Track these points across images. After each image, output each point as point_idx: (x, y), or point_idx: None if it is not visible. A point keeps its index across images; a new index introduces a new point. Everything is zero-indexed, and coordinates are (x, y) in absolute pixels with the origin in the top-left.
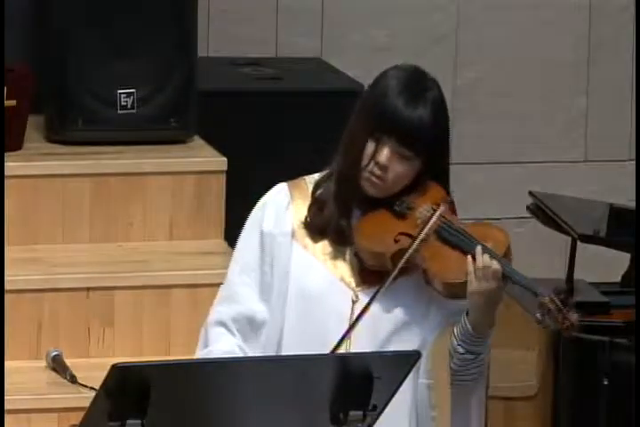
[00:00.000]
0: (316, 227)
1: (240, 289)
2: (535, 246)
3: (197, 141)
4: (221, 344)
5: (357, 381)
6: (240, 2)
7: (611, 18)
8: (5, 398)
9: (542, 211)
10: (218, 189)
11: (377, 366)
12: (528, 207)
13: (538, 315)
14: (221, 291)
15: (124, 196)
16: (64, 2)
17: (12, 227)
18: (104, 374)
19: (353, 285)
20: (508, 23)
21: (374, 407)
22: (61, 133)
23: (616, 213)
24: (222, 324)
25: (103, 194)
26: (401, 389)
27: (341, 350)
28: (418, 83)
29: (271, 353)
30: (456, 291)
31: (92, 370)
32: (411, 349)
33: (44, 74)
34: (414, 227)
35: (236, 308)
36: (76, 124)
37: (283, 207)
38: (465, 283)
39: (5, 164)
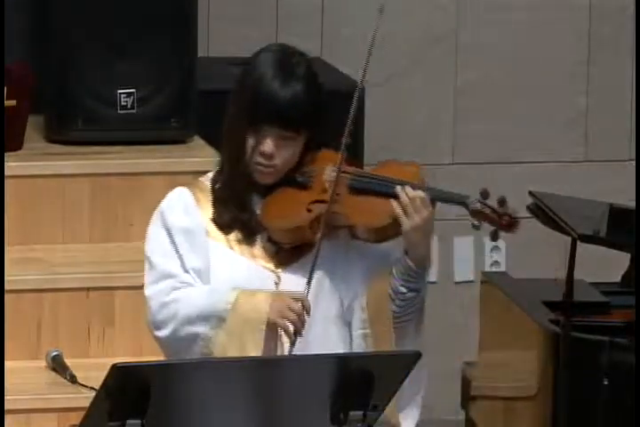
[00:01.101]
0: (224, 223)
1: (169, 266)
2: (535, 246)
3: (197, 141)
4: (188, 289)
5: (357, 381)
6: (240, 2)
7: (611, 18)
8: (5, 398)
9: (542, 211)
10: None
11: (377, 366)
12: (528, 207)
13: (475, 222)
14: (149, 275)
15: (124, 196)
16: (64, 2)
17: (12, 227)
18: (104, 374)
19: (273, 267)
20: (508, 23)
21: (374, 407)
22: (61, 133)
23: (616, 213)
24: (172, 288)
25: (103, 194)
26: (333, 344)
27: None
28: (286, 63)
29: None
30: (385, 233)
31: (92, 370)
32: (342, 305)
33: (43, 74)
34: (323, 192)
35: (173, 280)
36: (76, 124)
37: (190, 206)
38: (392, 224)
39: (5, 164)
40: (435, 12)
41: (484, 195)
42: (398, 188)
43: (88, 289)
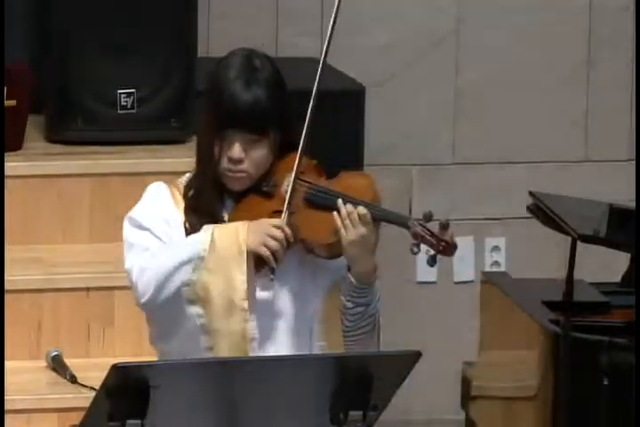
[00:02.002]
0: (195, 230)
1: (147, 242)
2: (535, 246)
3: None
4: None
5: (357, 381)
6: (240, 2)
7: (611, 18)
8: (5, 398)
9: (542, 211)
10: None
11: (377, 366)
12: (528, 207)
13: (413, 247)
14: (128, 251)
15: (124, 196)
16: (64, 2)
17: (12, 227)
18: (104, 374)
19: None
20: (509, 24)
21: (374, 407)
22: (61, 133)
23: (616, 213)
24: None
25: (103, 194)
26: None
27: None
28: (249, 66)
29: None
30: (335, 250)
31: (92, 370)
32: (309, 317)
33: (43, 74)
34: (283, 202)
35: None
36: (76, 124)
37: (169, 202)
38: (338, 241)
39: (5, 164)
40: (435, 12)
41: (427, 218)
42: (339, 202)
43: (88, 289)
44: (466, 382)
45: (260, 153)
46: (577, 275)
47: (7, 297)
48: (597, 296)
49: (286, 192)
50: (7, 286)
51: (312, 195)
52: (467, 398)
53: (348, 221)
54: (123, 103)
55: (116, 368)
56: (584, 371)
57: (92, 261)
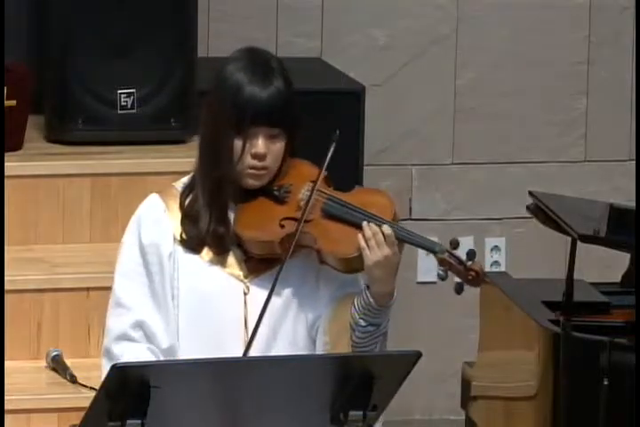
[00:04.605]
0: (194, 240)
1: (132, 301)
2: (535, 246)
3: (197, 141)
4: (131, 355)
5: (357, 381)
6: (240, 2)
7: (611, 18)
8: (5, 398)
9: (542, 211)
10: None
11: (377, 366)
12: (528, 207)
13: (440, 272)
14: (111, 307)
15: (124, 196)
16: (64, 2)
17: (12, 227)
18: (101, 375)
19: (242, 277)
20: (508, 23)
21: (374, 407)
22: (61, 133)
23: (616, 213)
24: (124, 337)
25: (103, 194)
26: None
27: (239, 340)
28: (258, 62)
29: (174, 356)
30: (352, 265)
31: (92, 370)
32: (305, 325)
33: (43, 74)
34: (297, 210)
35: (132, 317)
36: (76, 124)
37: (159, 217)
38: (358, 256)
39: (5, 164)
40: (435, 11)
41: (454, 244)
42: (364, 223)
43: (88, 289)
44: (466, 382)
45: (280, 147)
46: (577, 275)
47: (7, 297)
48: (597, 296)
49: (302, 200)
50: (7, 286)
51: (331, 207)
52: (467, 398)
53: (374, 242)
54: (123, 103)
55: (116, 368)
56: (584, 371)
57: (92, 261)
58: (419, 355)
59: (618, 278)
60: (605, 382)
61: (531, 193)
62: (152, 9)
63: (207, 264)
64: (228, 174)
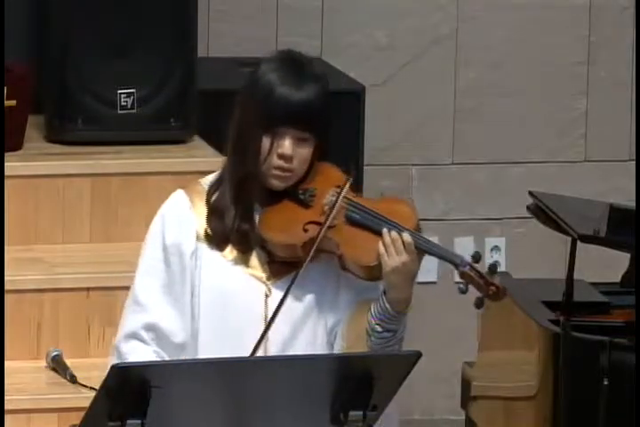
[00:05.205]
0: (219, 236)
1: (148, 300)
2: (535, 246)
3: (197, 141)
4: (136, 356)
5: (357, 381)
6: (240, 2)
7: (611, 18)
8: (5, 398)
9: (542, 211)
10: None
11: (377, 366)
12: (528, 207)
13: (461, 286)
14: (128, 304)
15: (124, 196)
16: (64, 2)
17: (12, 227)
18: (104, 374)
19: (264, 279)
20: (508, 23)
21: (374, 407)
22: (61, 133)
23: (616, 213)
24: (133, 336)
25: (103, 194)
26: None
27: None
28: (293, 66)
29: (190, 356)
30: (373, 273)
31: (92, 370)
32: (325, 330)
33: (44, 74)
34: (321, 214)
35: (146, 317)
36: (76, 124)
37: (184, 215)
38: (379, 265)
39: (5, 164)
40: (435, 11)
41: (475, 258)
42: (384, 230)
43: (88, 289)
44: (466, 382)
45: (308, 152)
46: (577, 275)
47: (7, 297)
48: (597, 296)
49: (326, 205)
50: (7, 286)
51: (355, 213)
52: (467, 398)
53: (392, 249)
54: (123, 103)
55: (116, 368)
56: (584, 371)
57: (92, 261)
58: (419, 355)
59: (618, 278)
60: (605, 382)
61: (531, 193)
62: (152, 9)
63: (230, 263)
64: (253, 172)
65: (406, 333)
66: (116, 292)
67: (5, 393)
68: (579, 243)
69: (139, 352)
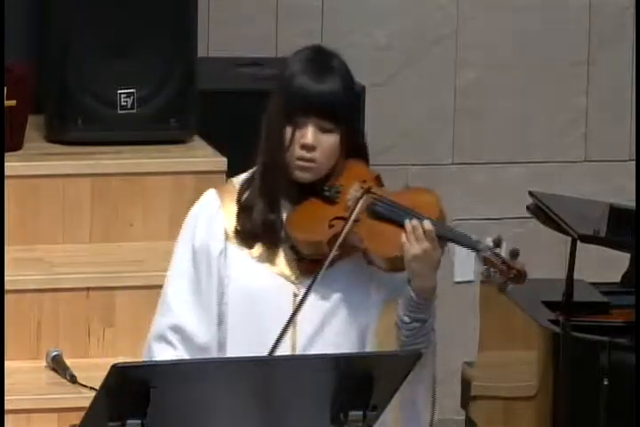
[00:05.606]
0: (248, 232)
1: (175, 301)
2: (535, 246)
3: (197, 141)
4: (160, 359)
5: (357, 381)
6: (240, 2)
7: (611, 18)
8: (5, 398)
9: (542, 211)
10: None
11: (377, 366)
12: (528, 207)
13: (483, 271)
14: (159, 303)
15: (124, 196)
16: (64, 2)
17: (12, 227)
18: (104, 374)
19: (293, 278)
20: (508, 23)
21: (374, 407)
22: (61, 133)
23: (616, 213)
24: (162, 337)
25: (103, 194)
26: None
27: (288, 340)
28: (319, 58)
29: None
30: (397, 264)
31: (92, 370)
32: (356, 329)
33: (44, 74)
34: (347, 210)
35: (171, 319)
36: (76, 124)
37: (213, 215)
38: (402, 256)
39: (5, 164)
40: (435, 11)
41: (497, 243)
42: (406, 221)
43: (88, 289)
44: (466, 382)
45: (332, 143)
46: (577, 275)
47: (7, 297)
48: (597, 296)
49: (351, 200)
50: (7, 286)
51: (378, 206)
52: (467, 398)
53: (413, 236)
54: (123, 103)
55: (115, 368)
56: (584, 371)
57: (92, 261)
58: (419, 355)
59: (618, 278)
60: (605, 382)
61: (531, 193)
62: (152, 9)
63: (258, 263)
64: (278, 163)
65: None
66: (116, 292)
67: (5, 393)
68: (579, 243)
69: (164, 357)
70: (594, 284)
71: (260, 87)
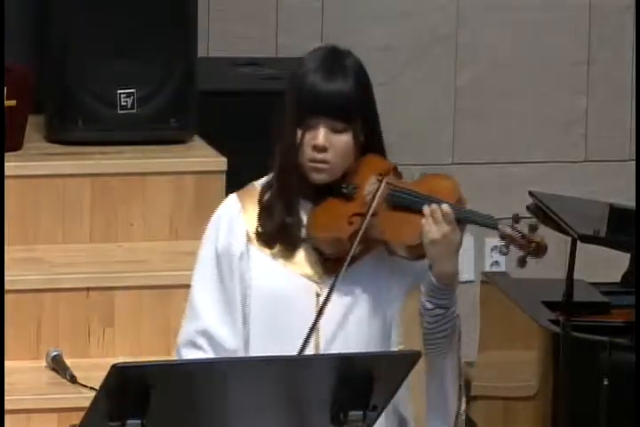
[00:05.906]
0: (269, 233)
1: (202, 306)
2: None
3: (197, 141)
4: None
5: (357, 381)
6: (240, 2)
7: (611, 18)
8: (5, 398)
9: (542, 211)
10: (218, 189)
11: (377, 366)
12: (528, 207)
13: (503, 247)
14: (187, 308)
15: (124, 196)
16: (64, 2)
17: (12, 227)
18: (104, 374)
19: (316, 278)
20: (508, 23)
21: (374, 407)
22: (61, 133)
23: (616, 213)
24: (191, 343)
25: (103, 194)
26: None
27: (312, 340)
28: (332, 58)
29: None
30: (419, 251)
31: (92, 370)
32: (380, 323)
33: (44, 74)
34: (364, 205)
35: (200, 324)
36: (76, 124)
37: (235, 218)
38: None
39: (5, 164)
40: (435, 11)
41: (515, 219)
42: (425, 206)
43: (88, 289)
44: (466, 382)
45: (345, 143)
46: (577, 275)
47: (7, 297)
48: (597, 296)
49: (369, 194)
50: (7, 286)
51: (395, 196)
52: (467, 398)
53: (431, 220)
54: (123, 103)
55: (115, 368)
56: (584, 371)
57: (92, 261)
58: (419, 355)
59: (618, 278)
60: (605, 382)
61: (531, 193)
62: (152, 9)
63: (279, 263)
64: (291, 164)
65: None
66: (116, 292)
67: (5, 393)
68: (579, 243)
69: None
70: (594, 284)
71: (259, 87)
